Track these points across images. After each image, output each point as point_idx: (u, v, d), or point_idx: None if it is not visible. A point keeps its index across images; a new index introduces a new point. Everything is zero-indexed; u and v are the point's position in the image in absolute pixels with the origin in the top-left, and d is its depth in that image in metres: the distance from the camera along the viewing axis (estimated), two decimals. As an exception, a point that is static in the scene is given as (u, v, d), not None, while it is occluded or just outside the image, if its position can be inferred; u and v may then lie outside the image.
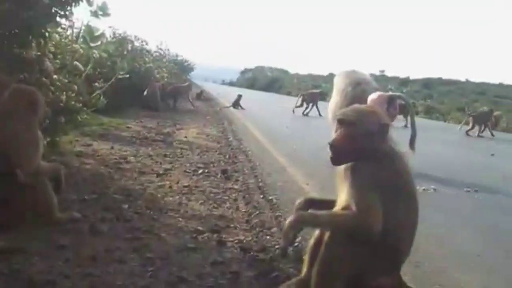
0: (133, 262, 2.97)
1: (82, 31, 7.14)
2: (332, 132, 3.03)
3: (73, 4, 5.22)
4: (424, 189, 6.07)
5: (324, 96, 20.40)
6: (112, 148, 6.74)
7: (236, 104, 19.70)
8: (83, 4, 5.52)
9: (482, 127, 18.62)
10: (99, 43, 7.06)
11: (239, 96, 20.01)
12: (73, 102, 5.88)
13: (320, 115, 18.34)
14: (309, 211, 2.72)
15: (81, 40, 7.14)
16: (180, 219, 3.94)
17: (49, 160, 4.35)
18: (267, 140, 9.77)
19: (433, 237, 4.12)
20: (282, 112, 20.37)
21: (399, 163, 2.63)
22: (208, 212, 4.24)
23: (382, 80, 45.85)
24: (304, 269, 2.78)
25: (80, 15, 7.02)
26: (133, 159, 6.17)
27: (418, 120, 8.91)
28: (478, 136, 18.08)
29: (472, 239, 4.34)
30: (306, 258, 2.80)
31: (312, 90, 22.77)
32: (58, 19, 5.27)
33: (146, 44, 17.72)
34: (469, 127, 18.47)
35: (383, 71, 56.78)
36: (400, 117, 12.65)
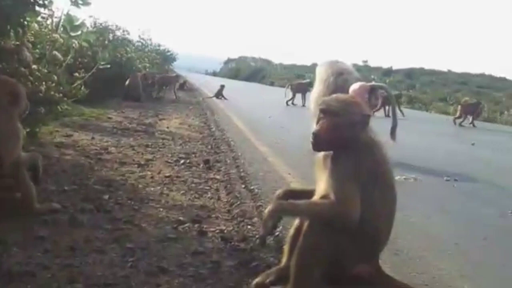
0: (113, 252, 2.96)
1: (62, 20, 7.04)
2: (313, 122, 3.05)
3: (53, -8, 5.15)
4: (404, 178, 6.13)
5: (312, 86, 20.48)
6: (92, 138, 6.69)
7: (219, 94, 19.66)
8: (63, -7, 5.45)
9: (470, 118, 19.03)
10: (79, 32, 6.97)
11: (222, 87, 19.97)
12: (52, 93, 5.82)
13: (303, 105, 18.42)
14: (288, 200, 2.74)
15: (61, 29, 7.05)
16: (161, 209, 3.93)
17: (28, 151, 4.30)
18: (250, 130, 9.76)
19: (413, 226, 4.16)
20: (265, 102, 20.37)
21: (378, 152, 2.66)
22: (190, 202, 4.24)
23: (365, 70, 45.97)
24: (284, 258, 2.80)
25: (60, 4, 6.90)
26: (114, 149, 6.13)
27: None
28: (460, 125, 18.34)
29: (450, 227, 4.40)
30: (286, 247, 2.82)
31: (300, 81, 22.81)
32: (37, 8, 5.20)
33: (128, 33, 17.55)
34: (457, 115, 18.84)
35: (366, 61, 56.81)
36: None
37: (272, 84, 52.76)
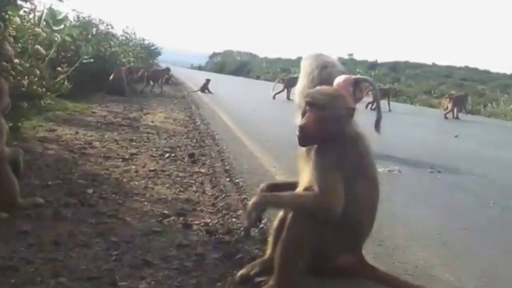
0: (97, 246, 2.95)
1: (44, 14, 6.97)
2: (298, 115, 3.06)
3: (35, -14, 5.09)
4: (389, 170, 6.18)
5: None
6: (76, 133, 6.64)
7: (204, 88, 19.62)
8: (46, -13, 5.40)
9: (459, 109, 19.49)
10: (62, 26, 6.89)
11: (207, 81, 19.93)
12: (35, 87, 5.77)
13: (288, 98, 18.49)
14: (272, 193, 2.76)
15: (44, 23, 6.98)
16: (146, 203, 3.92)
17: (11, 146, 4.26)
18: (235, 124, 9.76)
19: (396, 217, 4.20)
20: (250, 96, 20.38)
21: (362, 145, 2.69)
22: (174, 195, 4.23)
23: (350, 63, 46.21)
24: (268, 250, 2.82)
25: (43, -2, 6.84)
26: (98, 144, 6.10)
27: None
28: (445, 117, 18.67)
29: (433, 217, 4.44)
30: (270, 239, 2.84)
31: (292, 76, 22.86)
32: (19, 2, 5.15)
33: (112, 28, 17.40)
34: (448, 109, 19.15)
35: (351, 55, 57.11)
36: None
37: (257, 78, 52.83)
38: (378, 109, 7.49)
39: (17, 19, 6.22)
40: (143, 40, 26.64)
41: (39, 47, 6.33)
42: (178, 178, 4.83)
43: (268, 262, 2.69)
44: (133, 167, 5.09)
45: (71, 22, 11.07)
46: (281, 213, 2.78)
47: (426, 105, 31.91)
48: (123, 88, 13.70)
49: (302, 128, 2.61)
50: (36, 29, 6.60)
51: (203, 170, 5.31)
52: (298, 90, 7.62)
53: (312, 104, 2.63)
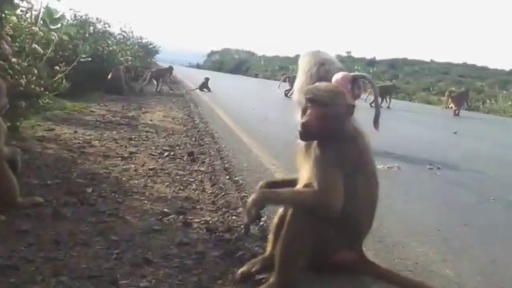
0: (97, 245, 2.95)
1: (41, 13, 6.95)
2: (297, 112, 3.06)
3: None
4: (388, 167, 6.18)
5: None
6: (75, 132, 6.63)
7: (203, 87, 19.61)
8: (42, -14, 5.38)
9: (465, 104, 19.87)
10: (59, 25, 6.89)
11: (206, 79, 19.92)
12: (33, 86, 5.76)
13: (286, 95, 18.54)
14: (271, 189, 2.76)
15: (41, 23, 6.97)
16: (146, 201, 3.92)
17: (9, 145, 4.25)
18: (234, 122, 9.75)
19: (396, 213, 4.21)
20: (248, 94, 20.37)
21: (362, 142, 2.69)
22: (174, 194, 4.23)
23: (348, 61, 46.17)
24: (269, 247, 2.82)
25: (39, -3, 6.83)
26: (97, 143, 6.09)
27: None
28: (455, 113, 18.97)
29: (433, 214, 4.44)
30: (270, 236, 2.84)
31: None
32: (16, 1, 5.14)
33: (109, 26, 17.39)
34: (454, 108, 19.49)
35: (349, 52, 57.04)
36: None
37: (256, 76, 52.82)
38: (376, 106, 7.49)
39: (14, 18, 6.21)
40: (141, 38, 26.64)
41: (36, 46, 6.32)
42: (177, 177, 4.83)
43: (269, 259, 2.69)
44: (132, 165, 5.09)
45: (68, 21, 11.08)
46: (280, 210, 2.79)
47: (425, 102, 31.96)
48: (122, 87, 13.68)
49: (304, 125, 2.61)
50: (33, 28, 6.59)
51: (202, 168, 5.30)
52: (296, 87, 7.62)
53: (314, 101, 2.63)
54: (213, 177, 4.93)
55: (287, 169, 5.12)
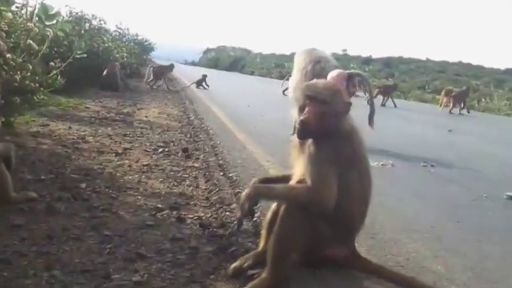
0: (90, 240, 2.95)
1: (36, 9, 6.93)
2: (293, 109, 3.07)
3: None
4: (382, 164, 6.21)
5: None
6: (70, 128, 6.62)
7: (200, 83, 19.63)
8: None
9: (462, 105, 20.07)
10: (54, 21, 6.86)
11: (204, 76, 19.92)
12: (28, 82, 5.74)
13: (284, 93, 18.54)
14: (264, 185, 2.77)
15: (36, 19, 6.94)
16: (140, 197, 3.92)
17: (3, 141, 4.25)
18: (229, 119, 9.75)
19: (389, 210, 4.23)
20: (244, 91, 20.38)
21: (357, 139, 2.71)
22: (168, 190, 4.24)
23: (344, 59, 46.19)
24: (262, 243, 2.83)
25: (35, -6, 6.79)
26: (92, 139, 6.08)
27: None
28: (443, 108, 19.20)
29: (426, 211, 4.47)
30: (263, 232, 2.85)
31: None
32: (11, -3, 5.12)
33: (105, 23, 17.32)
34: (451, 106, 19.79)
35: (345, 50, 57.16)
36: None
37: (252, 73, 52.79)
38: (371, 103, 7.50)
39: (9, 14, 6.19)
40: (137, 35, 26.58)
41: (31, 42, 6.29)
42: (171, 173, 4.83)
43: (261, 254, 2.70)
44: (127, 161, 5.09)
45: (63, 17, 11.02)
46: (274, 206, 2.80)
47: (420, 101, 32.03)
48: (117, 83, 13.63)
49: (303, 122, 2.61)
50: (29, 24, 6.55)
51: (196, 165, 5.31)
52: (291, 85, 7.63)
53: (314, 99, 2.63)
54: (207, 173, 4.94)
55: (281, 166, 5.13)
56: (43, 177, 4.12)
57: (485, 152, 9.07)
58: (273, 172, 4.96)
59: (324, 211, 2.51)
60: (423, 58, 53.10)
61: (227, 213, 3.69)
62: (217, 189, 4.33)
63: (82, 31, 12.88)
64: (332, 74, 6.79)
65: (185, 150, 5.90)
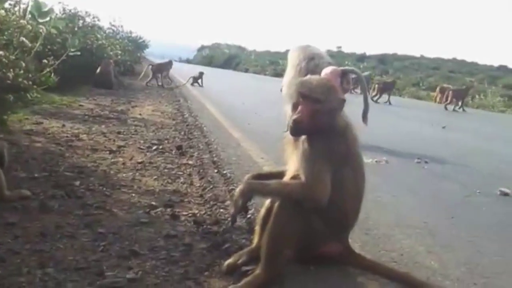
0: (84, 237, 2.95)
1: (29, 7, 6.90)
2: (286, 106, 3.07)
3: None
4: (376, 161, 6.23)
5: None
6: (63, 126, 6.60)
7: (196, 80, 19.68)
8: (30, -21, 5.34)
9: (460, 102, 20.22)
10: (48, 19, 6.82)
11: (201, 74, 19.97)
12: (21, 80, 5.71)
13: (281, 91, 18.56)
14: (258, 181, 2.77)
15: (29, 16, 6.91)
16: (133, 194, 3.92)
17: (-4, 138, 4.24)
18: (223, 116, 9.75)
19: (383, 206, 4.24)
20: (238, 89, 20.36)
21: (351, 136, 2.70)
22: (162, 187, 4.23)
23: (339, 56, 46.35)
24: (255, 239, 2.84)
25: (28, -9, 6.76)
26: (86, 136, 6.07)
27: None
28: (453, 109, 19.34)
29: (420, 207, 4.49)
30: (257, 228, 2.86)
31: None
32: (4, -6, 5.09)
33: (98, 20, 17.27)
34: (448, 101, 19.95)
35: (340, 47, 57.30)
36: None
37: (246, 71, 52.78)
38: (365, 100, 7.50)
39: (2, 12, 6.15)
40: (131, 33, 26.48)
41: (24, 39, 6.26)
42: (166, 170, 4.83)
43: (255, 251, 2.71)
44: (121, 159, 5.08)
45: (57, 14, 10.99)
46: (267, 203, 2.80)
47: (415, 97, 32.12)
48: (111, 81, 13.60)
49: (296, 121, 2.60)
50: (21, 21, 6.52)
51: (191, 162, 5.30)
52: (285, 82, 7.61)
53: (307, 97, 2.61)
54: (201, 170, 4.94)
55: (275, 163, 5.13)
56: (36, 175, 4.10)
57: (479, 148, 9.11)
58: (268, 169, 4.96)
59: (318, 206, 2.51)
60: (418, 55, 53.38)
61: (221, 210, 3.69)
62: (211, 186, 4.32)
63: (76, 29, 12.83)
64: (326, 71, 6.77)
65: (179, 147, 5.90)
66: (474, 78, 39.11)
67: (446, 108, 19.68)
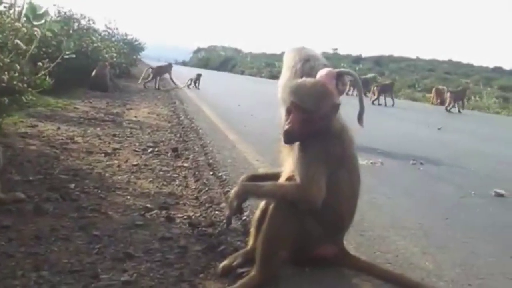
0: (79, 240, 2.94)
1: (24, 9, 6.89)
2: (281, 108, 3.07)
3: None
4: (371, 163, 6.23)
5: None
6: (58, 128, 6.59)
7: (193, 82, 19.74)
8: (25, -18, 5.33)
9: (460, 103, 20.47)
10: (43, 21, 6.81)
11: (198, 75, 20.06)
12: (15, 82, 5.70)
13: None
14: (253, 182, 2.77)
15: (24, 18, 6.90)
16: (129, 197, 3.91)
17: (-9, 141, 4.23)
18: (219, 118, 9.75)
19: (378, 207, 4.25)
20: (234, 91, 20.34)
21: (346, 138, 2.70)
22: (157, 189, 4.23)
23: (335, 58, 46.40)
24: (251, 241, 2.83)
25: (22, -7, 6.75)
26: (81, 139, 6.06)
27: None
28: (448, 111, 19.54)
29: (415, 208, 4.49)
30: (252, 230, 2.85)
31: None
32: (-3, -3, 5.08)
33: (93, 23, 17.25)
34: (448, 104, 20.17)
35: (336, 49, 57.42)
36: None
37: (242, 73, 52.80)
38: (360, 102, 7.50)
39: (-4, 14, 6.15)
40: (126, 35, 26.44)
41: (19, 42, 6.24)
42: (161, 172, 4.82)
43: (250, 253, 2.71)
44: (116, 161, 5.07)
45: (52, 17, 10.94)
46: (262, 204, 2.80)
47: (410, 99, 32.20)
48: (106, 83, 13.57)
49: (287, 132, 2.60)
50: (16, 24, 6.50)
51: (186, 164, 5.30)
52: (280, 84, 7.61)
53: (298, 106, 2.59)
54: (197, 172, 4.93)
55: (271, 165, 5.13)
56: (31, 177, 4.09)
57: (474, 149, 9.13)
58: (263, 171, 4.96)
59: (313, 208, 2.51)
60: (413, 57, 53.50)
61: (217, 212, 3.69)
62: (206, 189, 4.32)
63: (71, 31, 12.82)
64: (321, 73, 6.78)
65: (174, 150, 5.89)
66: (470, 80, 39.26)
67: (449, 111, 19.84)
